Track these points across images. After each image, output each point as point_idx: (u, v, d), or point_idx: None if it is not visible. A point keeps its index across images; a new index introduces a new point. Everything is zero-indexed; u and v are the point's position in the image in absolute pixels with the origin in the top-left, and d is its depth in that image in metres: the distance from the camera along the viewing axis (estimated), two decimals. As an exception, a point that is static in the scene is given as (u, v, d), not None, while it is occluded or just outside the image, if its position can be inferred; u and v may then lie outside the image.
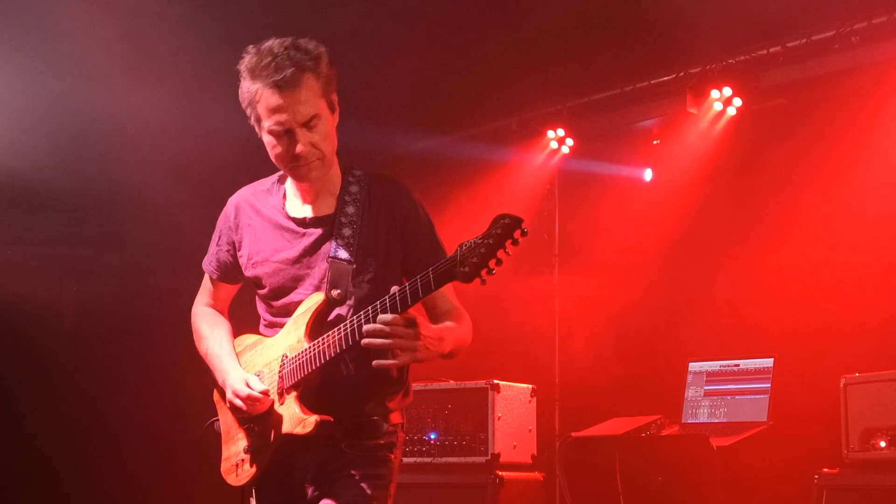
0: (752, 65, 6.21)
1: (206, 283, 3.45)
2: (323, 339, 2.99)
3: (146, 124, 5.98)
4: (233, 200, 3.33)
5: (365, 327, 2.83)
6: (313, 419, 2.99)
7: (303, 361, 3.03)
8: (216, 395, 3.40)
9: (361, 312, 2.89)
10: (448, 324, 3.09)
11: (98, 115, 5.87)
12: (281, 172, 3.26)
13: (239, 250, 3.28)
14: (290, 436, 3.04)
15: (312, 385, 3.06)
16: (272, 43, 3.01)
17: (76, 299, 6.75)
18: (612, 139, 7.02)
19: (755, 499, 5.04)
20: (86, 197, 6.29)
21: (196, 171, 6.19)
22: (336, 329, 2.96)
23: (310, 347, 3.01)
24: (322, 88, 3.02)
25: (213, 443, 3.37)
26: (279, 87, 2.95)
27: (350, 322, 2.93)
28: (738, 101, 6.35)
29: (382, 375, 3.10)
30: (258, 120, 3.05)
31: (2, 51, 5.56)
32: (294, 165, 3.07)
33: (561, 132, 7.15)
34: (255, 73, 2.99)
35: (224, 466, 3.30)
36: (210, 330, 3.37)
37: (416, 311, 2.91)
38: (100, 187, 6.28)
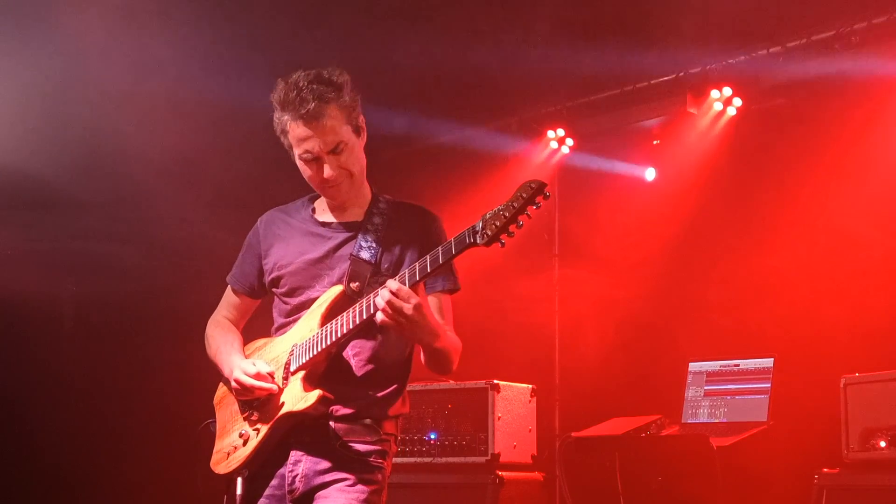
0: (752, 65, 6.20)
1: (227, 296, 3.54)
2: (333, 321, 3.08)
3: (150, 124, 5.98)
4: (262, 217, 3.49)
5: (381, 289, 2.94)
6: (315, 393, 3.07)
7: (312, 344, 3.12)
8: (216, 397, 3.44)
9: (377, 289, 2.98)
10: (449, 332, 3.19)
11: (101, 114, 5.87)
12: (311, 194, 3.41)
13: (265, 258, 3.39)
14: (290, 414, 3.10)
15: (318, 371, 3.14)
16: (298, 76, 3.17)
17: (76, 299, 6.75)
18: (612, 139, 7.02)
19: (755, 499, 5.05)
20: (87, 196, 6.29)
21: (200, 170, 6.20)
22: (348, 310, 3.06)
23: (320, 331, 3.11)
24: (346, 116, 3.19)
25: (209, 444, 3.39)
26: (304, 119, 3.13)
27: (362, 302, 3.03)
28: (738, 101, 6.35)
29: (383, 374, 3.20)
30: (290, 147, 3.23)
31: (5, 48, 5.57)
32: (324, 187, 3.24)
33: (561, 132, 7.15)
34: (283, 106, 3.17)
35: (214, 458, 3.33)
36: (222, 334, 3.45)
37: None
38: (101, 187, 6.28)
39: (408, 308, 2.91)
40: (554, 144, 7.22)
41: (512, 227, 2.79)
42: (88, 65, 5.66)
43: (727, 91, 6.33)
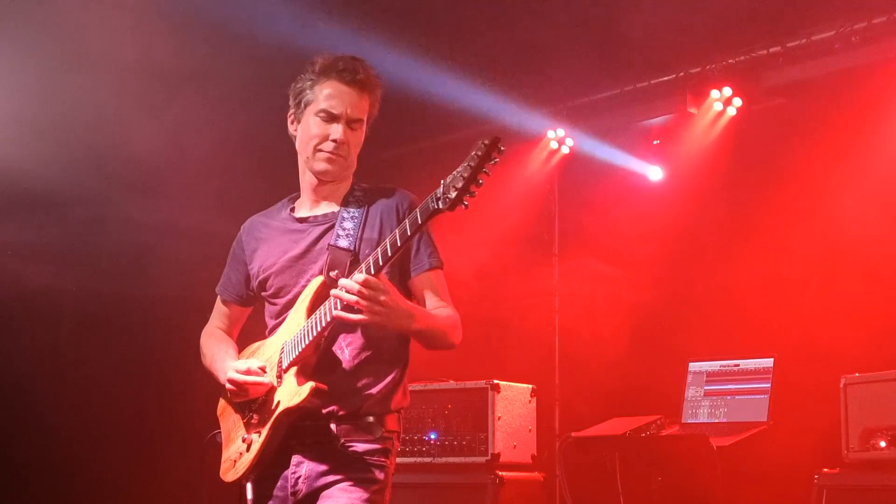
0: (752, 65, 6.21)
1: (217, 306, 3.56)
2: (316, 312, 3.07)
3: (150, 123, 5.97)
4: (244, 225, 3.50)
5: (340, 281, 2.96)
6: (308, 385, 3.04)
7: (300, 338, 3.11)
8: (219, 409, 3.44)
9: (356, 270, 2.98)
10: (431, 308, 3.19)
11: (101, 114, 5.87)
12: (290, 196, 3.42)
13: (250, 264, 3.40)
14: (286, 410, 3.08)
15: (309, 364, 3.12)
16: (343, 54, 3.27)
17: (76, 299, 6.74)
18: (612, 139, 7.02)
19: (755, 499, 5.04)
20: (87, 197, 6.29)
21: (199, 170, 6.19)
22: (329, 300, 3.03)
23: (306, 324, 3.10)
24: (371, 107, 3.28)
25: (215, 456, 3.38)
26: (348, 82, 3.22)
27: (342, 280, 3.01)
28: (738, 101, 6.35)
29: (378, 365, 3.18)
30: (307, 104, 3.24)
31: (5, 50, 5.56)
32: (323, 149, 3.23)
33: (561, 132, 7.15)
34: (325, 71, 3.24)
35: (223, 468, 3.33)
36: (216, 344, 3.46)
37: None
38: (102, 187, 6.28)
39: (381, 296, 2.91)
40: (554, 144, 7.21)
41: (473, 188, 2.78)
42: (88, 63, 5.65)
43: (727, 91, 6.33)
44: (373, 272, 2.93)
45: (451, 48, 6.22)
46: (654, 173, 6.84)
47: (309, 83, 3.25)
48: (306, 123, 3.25)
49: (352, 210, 3.27)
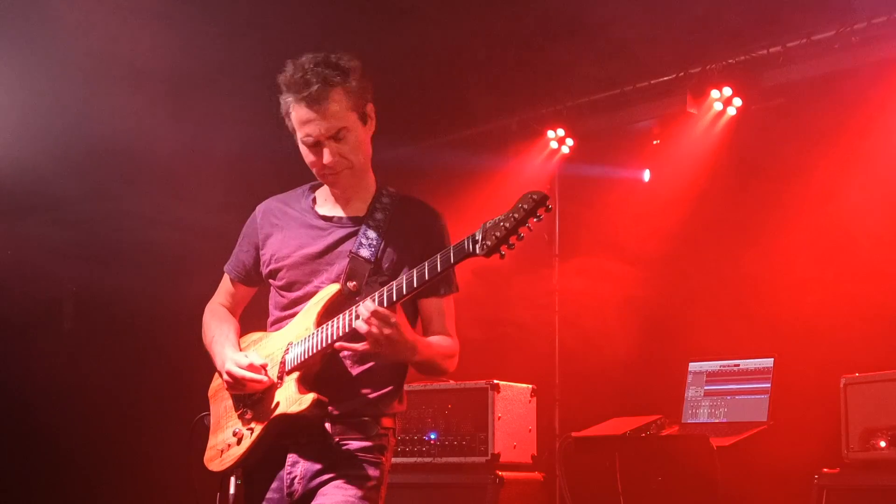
0: (752, 65, 6.21)
1: (224, 284, 3.52)
2: (328, 324, 3.05)
3: (150, 124, 5.98)
4: (261, 205, 3.44)
5: (359, 307, 2.93)
6: (310, 396, 3.03)
7: (307, 346, 3.09)
8: (211, 389, 3.42)
9: (370, 296, 2.95)
10: (433, 339, 3.16)
11: (101, 116, 5.87)
12: (312, 183, 3.37)
13: (262, 249, 3.35)
14: (284, 416, 3.07)
15: (312, 372, 3.11)
16: (305, 58, 3.14)
17: (76, 299, 6.75)
18: (611, 139, 7.02)
19: (755, 499, 5.05)
20: (87, 197, 6.30)
21: (199, 172, 6.20)
22: (342, 314, 3.02)
23: (315, 332, 3.08)
24: (352, 102, 3.15)
25: (202, 438, 3.36)
26: (307, 101, 3.09)
27: (348, 312, 2.99)
28: (738, 101, 6.36)
29: (378, 375, 3.17)
30: (293, 130, 3.19)
31: (5, 53, 5.57)
32: (324, 174, 3.20)
33: (561, 132, 7.15)
34: (288, 87, 3.13)
35: (208, 454, 3.31)
36: (218, 323, 3.42)
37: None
38: (101, 187, 6.28)
39: (386, 329, 2.88)
40: (554, 144, 7.22)
41: (513, 239, 2.73)
42: (86, 64, 5.66)
43: (727, 91, 6.33)
44: (394, 299, 2.90)
45: (450, 48, 6.22)
46: (654, 173, 6.83)
47: (285, 106, 3.16)
48: (299, 147, 3.20)
49: (378, 218, 3.22)
